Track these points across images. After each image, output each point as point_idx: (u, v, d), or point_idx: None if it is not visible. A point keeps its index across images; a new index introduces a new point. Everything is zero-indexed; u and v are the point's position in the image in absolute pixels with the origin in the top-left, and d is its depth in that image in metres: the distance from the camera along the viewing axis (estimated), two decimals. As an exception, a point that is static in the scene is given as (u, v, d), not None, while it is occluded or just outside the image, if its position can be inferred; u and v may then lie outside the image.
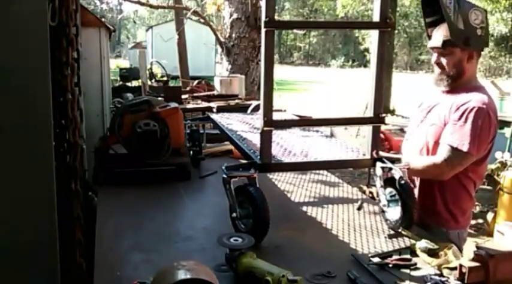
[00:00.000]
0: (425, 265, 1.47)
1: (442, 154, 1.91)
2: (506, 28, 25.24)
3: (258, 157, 1.76)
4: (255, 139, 2.06)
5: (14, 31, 1.18)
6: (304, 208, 2.08)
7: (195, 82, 8.04)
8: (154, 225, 1.86)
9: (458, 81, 2.00)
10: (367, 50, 32.60)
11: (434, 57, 2.04)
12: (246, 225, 1.68)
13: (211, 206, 2.15)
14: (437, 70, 2.04)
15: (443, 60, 1.99)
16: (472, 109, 1.89)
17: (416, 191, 2.03)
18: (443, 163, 1.91)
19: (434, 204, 2.03)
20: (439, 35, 1.96)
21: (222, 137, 2.63)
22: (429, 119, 2.06)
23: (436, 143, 1.98)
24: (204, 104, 5.65)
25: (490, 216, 4.92)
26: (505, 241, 1.51)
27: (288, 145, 2.07)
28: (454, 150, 1.88)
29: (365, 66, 34.01)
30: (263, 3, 1.61)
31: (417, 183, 2.08)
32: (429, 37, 2.05)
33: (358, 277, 1.38)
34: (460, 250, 1.58)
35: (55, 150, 1.37)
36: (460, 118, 1.90)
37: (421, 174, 2.03)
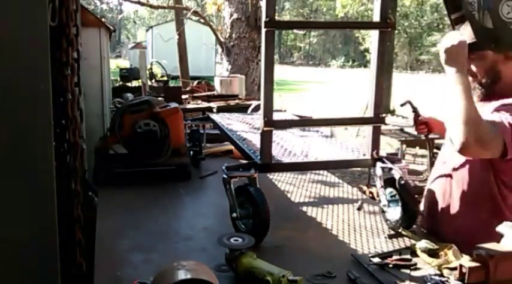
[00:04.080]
0: (426, 265, 1.47)
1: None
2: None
3: (258, 157, 1.76)
4: (255, 139, 2.06)
5: (14, 31, 1.18)
6: (304, 208, 2.08)
7: (195, 82, 8.04)
8: (155, 225, 1.86)
9: (494, 88, 1.68)
10: (367, 50, 32.63)
11: None
12: (246, 225, 1.68)
13: (211, 206, 2.15)
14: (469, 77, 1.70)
15: (473, 67, 1.68)
16: (509, 106, 1.57)
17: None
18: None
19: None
20: (464, 37, 1.62)
21: (222, 137, 2.63)
22: None
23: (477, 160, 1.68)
24: (204, 104, 5.66)
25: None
26: (505, 241, 1.51)
27: (288, 145, 2.07)
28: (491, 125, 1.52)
29: (365, 66, 34.03)
30: (263, 3, 1.62)
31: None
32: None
33: (358, 277, 1.38)
34: None
35: (55, 150, 1.37)
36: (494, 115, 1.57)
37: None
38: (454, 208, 1.79)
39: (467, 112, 1.50)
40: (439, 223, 1.84)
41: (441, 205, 1.84)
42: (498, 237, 1.51)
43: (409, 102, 2.06)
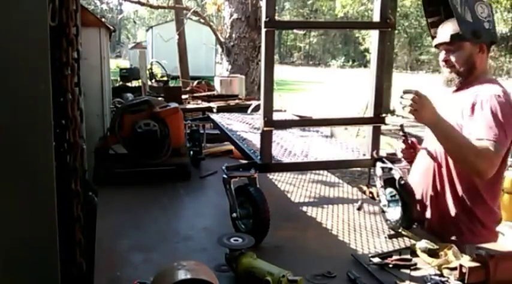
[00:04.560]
0: (426, 265, 1.47)
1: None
2: (507, 28, 25.25)
3: (258, 157, 1.76)
4: (255, 139, 2.06)
5: (14, 31, 1.18)
6: (304, 208, 2.08)
7: (195, 82, 8.04)
8: (155, 225, 1.86)
9: (469, 78, 1.87)
10: (367, 50, 32.60)
11: (441, 55, 1.91)
12: (246, 225, 1.68)
13: (211, 206, 2.15)
14: (446, 69, 1.91)
15: (452, 57, 1.87)
16: (487, 99, 1.74)
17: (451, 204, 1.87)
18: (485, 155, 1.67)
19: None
20: (445, 30, 1.86)
21: (222, 137, 2.63)
22: None
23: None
24: (204, 104, 5.65)
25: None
26: (505, 241, 1.50)
27: (288, 145, 2.07)
28: (486, 142, 1.68)
29: (365, 66, 34.01)
30: (263, 3, 1.62)
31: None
32: (432, 37, 1.96)
33: (358, 277, 1.38)
34: None
35: (55, 150, 1.37)
36: (473, 112, 1.76)
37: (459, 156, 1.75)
38: (438, 198, 1.90)
39: (464, 148, 1.70)
40: (424, 213, 1.94)
41: (426, 195, 1.94)
42: (479, 226, 1.81)
43: (401, 126, 2.11)
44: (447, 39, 1.85)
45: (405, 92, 1.73)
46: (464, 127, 1.77)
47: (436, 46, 1.93)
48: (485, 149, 1.67)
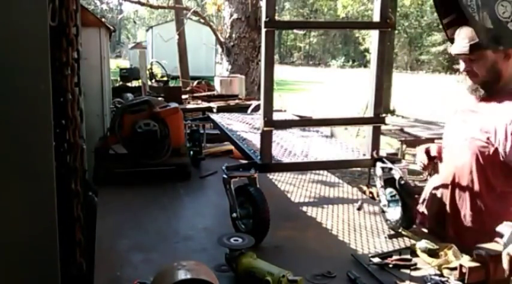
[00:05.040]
0: (426, 265, 1.47)
1: None
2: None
3: (258, 157, 1.76)
4: (255, 139, 2.06)
5: (14, 31, 1.18)
6: (304, 208, 2.08)
7: (195, 82, 8.04)
8: (155, 225, 1.85)
9: (495, 88, 1.73)
10: (367, 50, 32.61)
11: (462, 65, 1.76)
12: (246, 225, 1.68)
13: (211, 206, 2.15)
14: (469, 79, 1.77)
15: (474, 67, 1.72)
16: None
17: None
18: None
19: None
20: (463, 38, 1.70)
21: (222, 137, 2.63)
22: (468, 131, 1.77)
23: (479, 162, 1.73)
24: (204, 104, 5.66)
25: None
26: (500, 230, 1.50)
27: (288, 145, 2.07)
28: None
29: (365, 66, 34.01)
30: (263, 3, 1.62)
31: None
32: (450, 40, 1.79)
33: (358, 277, 1.38)
34: None
35: (55, 150, 1.37)
36: (506, 134, 1.63)
37: None
38: (459, 210, 1.82)
39: None
40: (444, 224, 1.87)
41: (446, 206, 1.87)
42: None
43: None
44: (466, 50, 1.69)
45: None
46: (500, 150, 1.67)
47: (455, 54, 1.76)
48: None
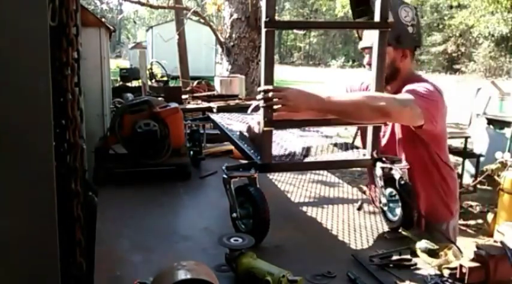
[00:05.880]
0: (426, 265, 1.47)
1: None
2: (507, 28, 25.23)
3: (258, 157, 1.76)
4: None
5: (14, 31, 1.18)
6: (304, 208, 2.08)
7: (195, 82, 8.05)
8: (155, 225, 1.85)
9: (393, 82, 1.96)
10: (367, 50, 32.55)
11: (366, 58, 1.98)
12: (246, 225, 1.68)
13: (211, 206, 2.15)
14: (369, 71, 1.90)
15: None
16: (417, 86, 1.84)
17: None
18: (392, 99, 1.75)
19: (431, 200, 2.02)
20: (370, 34, 1.85)
21: (222, 137, 2.63)
22: None
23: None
24: (204, 104, 5.67)
25: (490, 217, 4.92)
26: (505, 241, 1.52)
27: (288, 145, 2.07)
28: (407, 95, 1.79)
29: (365, 66, 33.99)
30: (263, 3, 1.61)
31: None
32: (360, 38, 1.99)
33: (358, 277, 1.38)
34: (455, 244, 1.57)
35: (55, 150, 1.37)
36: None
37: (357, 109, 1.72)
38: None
39: (360, 106, 1.70)
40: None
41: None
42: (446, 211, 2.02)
43: None
44: (371, 44, 1.82)
45: (263, 91, 1.60)
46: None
47: (362, 48, 1.98)
48: (391, 97, 1.75)
